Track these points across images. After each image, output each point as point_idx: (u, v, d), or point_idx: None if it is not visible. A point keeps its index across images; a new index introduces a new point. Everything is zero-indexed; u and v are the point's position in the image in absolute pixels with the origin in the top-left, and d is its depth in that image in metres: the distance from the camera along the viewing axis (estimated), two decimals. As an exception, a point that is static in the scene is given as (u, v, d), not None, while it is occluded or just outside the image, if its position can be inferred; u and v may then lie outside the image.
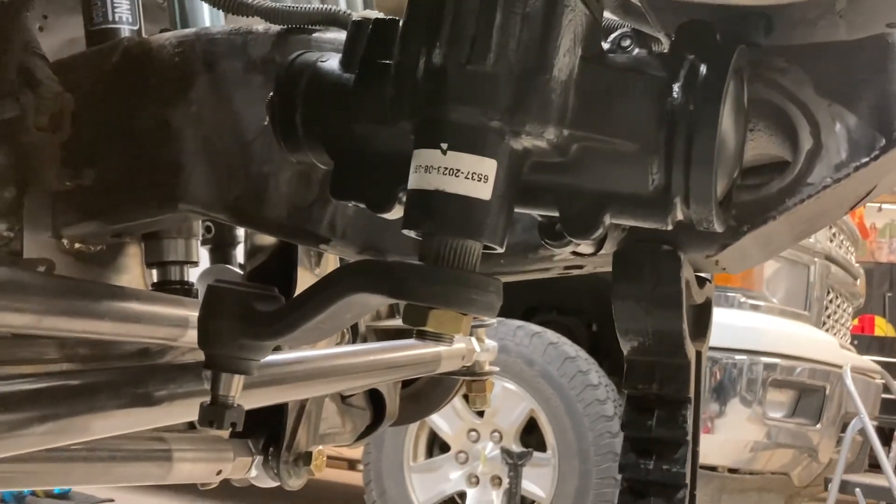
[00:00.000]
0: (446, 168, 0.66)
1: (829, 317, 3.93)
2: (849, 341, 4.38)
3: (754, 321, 3.43)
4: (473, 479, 3.67)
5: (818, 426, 3.50)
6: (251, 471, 1.17)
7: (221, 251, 1.49)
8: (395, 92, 0.70)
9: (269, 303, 0.75)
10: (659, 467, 0.83)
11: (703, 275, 0.92)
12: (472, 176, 0.65)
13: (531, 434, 3.61)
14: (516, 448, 3.53)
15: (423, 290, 0.64)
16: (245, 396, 0.85)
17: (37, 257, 1.00)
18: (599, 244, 0.82)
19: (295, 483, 1.18)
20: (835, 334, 4.05)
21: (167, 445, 1.00)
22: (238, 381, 0.77)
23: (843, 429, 3.72)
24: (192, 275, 1.47)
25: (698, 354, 0.88)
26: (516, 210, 0.73)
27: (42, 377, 0.88)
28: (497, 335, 2.74)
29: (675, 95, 0.67)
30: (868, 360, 3.96)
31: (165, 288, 1.31)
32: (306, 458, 1.19)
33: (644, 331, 0.83)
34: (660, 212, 0.69)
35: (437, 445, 3.78)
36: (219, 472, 1.08)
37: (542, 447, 3.51)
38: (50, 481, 0.97)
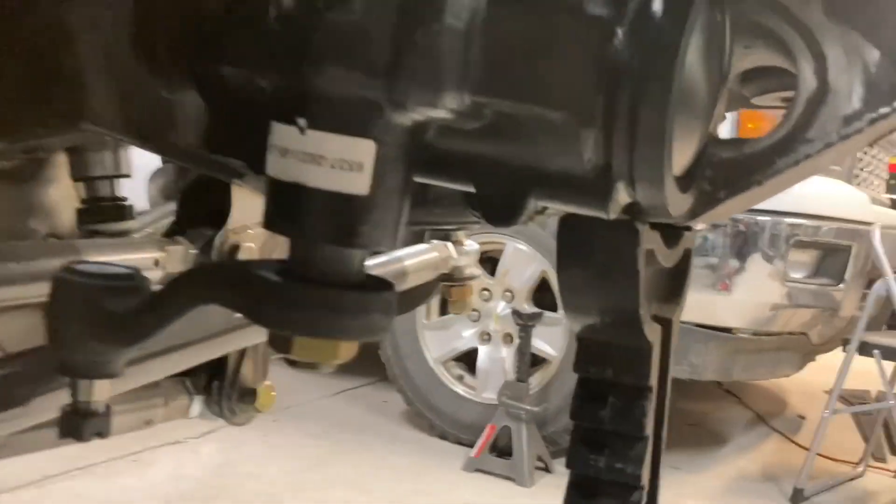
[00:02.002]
0: (306, 153, 0.49)
1: (862, 169, 3.69)
2: (884, 191, 4.16)
3: (780, 177, 3.22)
4: (485, 337, 3.65)
5: (841, 285, 3.36)
6: (192, 410, 1.08)
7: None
8: (251, 40, 0.52)
9: (125, 298, 0.61)
10: (611, 465, 0.71)
11: (676, 225, 0.75)
12: (342, 164, 0.49)
13: (544, 293, 3.54)
14: (528, 308, 3.48)
15: (280, 315, 0.50)
16: (175, 358, 0.74)
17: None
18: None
19: (240, 420, 1.10)
20: (867, 187, 3.83)
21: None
22: (101, 384, 0.65)
23: (868, 284, 3.58)
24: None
25: (666, 330, 0.73)
26: (422, 181, 0.56)
27: None
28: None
29: (618, 44, 0.48)
30: (901, 214, 3.75)
31: (96, 205, 1.18)
32: (251, 395, 1.09)
33: (595, 309, 0.68)
34: (598, 198, 0.53)
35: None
36: (148, 422, 0.99)
37: (554, 306, 3.45)
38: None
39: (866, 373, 3.31)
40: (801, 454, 3.76)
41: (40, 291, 0.91)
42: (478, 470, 3.28)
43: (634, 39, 0.48)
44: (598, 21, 0.49)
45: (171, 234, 1.08)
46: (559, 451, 3.48)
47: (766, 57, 0.69)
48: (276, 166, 0.50)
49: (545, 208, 0.62)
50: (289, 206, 0.50)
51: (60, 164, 1.19)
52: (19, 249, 0.91)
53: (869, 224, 3.26)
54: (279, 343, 0.52)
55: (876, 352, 3.12)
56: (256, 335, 0.98)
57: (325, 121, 0.49)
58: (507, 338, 3.58)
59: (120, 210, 1.17)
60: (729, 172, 0.60)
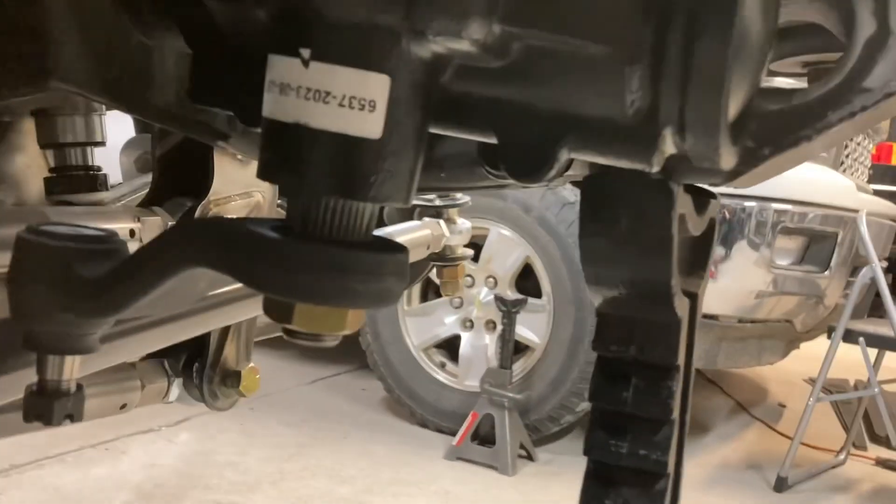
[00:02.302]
0: (310, 89, 0.42)
1: (847, 156, 3.67)
2: (866, 179, 4.15)
3: (767, 163, 3.18)
4: (468, 324, 3.59)
5: (827, 273, 3.34)
6: (170, 394, 1.01)
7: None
8: None
9: (98, 262, 0.54)
10: (634, 451, 0.65)
11: (706, 189, 0.69)
12: (351, 102, 0.42)
13: (527, 279, 3.49)
14: (511, 295, 3.42)
15: (277, 278, 0.43)
16: (155, 333, 0.66)
17: None
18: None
19: (222, 405, 1.02)
20: (852, 174, 3.81)
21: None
22: (73, 360, 0.58)
23: (853, 272, 3.57)
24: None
25: (692, 304, 0.67)
26: (436, 131, 0.50)
27: None
28: (488, 185, 2.53)
29: None
30: (884, 203, 3.74)
31: (65, 175, 1.10)
32: (234, 378, 1.02)
33: (620, 281, 0.62)
34: (641, 147, 0.46)
35: (431, 290, 3.68)
36: (123, 406, 0.91)
37: (537, 293, 3.40)
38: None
39: (845, 361, 3.30)
40: (782, 442, 3.75)
41: (3, 261, 0.84)
42: (459, 458, 3.23)
43: None
44: None
45: (148, 204, 1.00)
46: (542, 440, 3.44)
47: (802, 8, 0.63)
48: (275, 105, 0.43)
49: (571, 161, 0.56)
50: (289, 151, 0.43)
51: (27, 130, 1.11)
52: (-20, 216, 0.83)
53: (855, 211, 3.24)
54: (278, 311, 0.45)
55: (861, 339, 3.11)
56: (248, 308, 0.90)
57: (333, 51, 0.42)
58: (490, 325, 3.53)
59: (92, 180, 1.09)
60: (775, 126, 0.54)
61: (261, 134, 0.45)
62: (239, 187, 1.05)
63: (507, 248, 3.44)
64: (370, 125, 0.43)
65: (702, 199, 0.68)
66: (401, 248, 0.47)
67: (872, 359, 3.21)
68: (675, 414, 0.65)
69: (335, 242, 0.45)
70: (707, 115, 0.43)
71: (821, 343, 4.10)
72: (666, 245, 0.59)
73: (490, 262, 3.49)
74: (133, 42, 0.82)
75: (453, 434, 3.31)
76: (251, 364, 1.05)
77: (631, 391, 0.65)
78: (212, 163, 1.01)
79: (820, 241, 3.32)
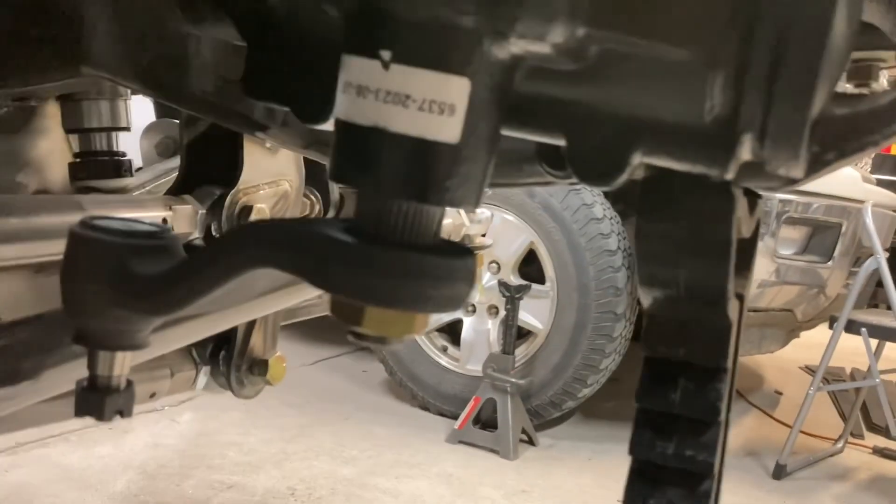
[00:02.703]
0: (389, 92, 0.42)
1: (853, 146, 3.66)
2: (869, 169, 4.15)
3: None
4: (470, 308, 3.59)
5: (830, 263, 3.35)
6: (198, 382, 1.01)
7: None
8: None
9: (155, 260, 0.53)
10: (681, 452, 0.65)
11: (755, 190, 0.69)
12: (431, 106, 0.42)
13: (531, 265, 3.49)
14: (514, 280, 3.42)
15: (352, 281, 0.43)
16: (202, 324, 0.65)
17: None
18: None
19: (249, 393, 1.02)
20: (857, 164, 3.82)
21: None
22: (123, 356, 0.57)
23: (856, 262, 3.58)
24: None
25: (741, 306, 0.67)
26: (506, 133, 0.49)
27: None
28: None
29: None
30: (886, 193, 3.74)
31: (90, 160, 1.09)
32: (262, 366, 1.02)
33: (675, 282, 0.61)
34: (717, 153, 0.46)
35: (433, 273, 3.67)
36: (153, 395, 0.91)
37: (541, 278, 3.40)
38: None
39: (840, 349, 3.31)
40: (779, 429, 3.78)
41: (37, 251, 0.82)
42: (461, 442, 3.24)
43: None
44: None
45: (177, 191, 0.99)
46: (543, 424, 3.46)
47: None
48: (352, 107, 0.43)
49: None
50: (366, 154, 0.43)
51: (52, 115, 1.10)
52: (14, 203, 0.82)
53: (859, 202, 3.24)
54: (347, 313, 0.45)
55: (863, 330, 3.12)
56: (284, 299, 0.90)
57: (414, 53, 0.41)
58: (493, 309, 3.53)
59: (117, 165, 1.08)
60: (842, 131, 0.53)
61: (335, 135, 0.44)
62: (267, 176, 1.04)
63: (511, 234, 3.43)
64: (449, 129, 0.42)
65: (752, 199, 0.67)
66: (469, 252, 0.47)
67: (873, 349, 3.23)
68: (724, 415, 0.65)
69: (408, 246, 0.44)
70: (793, 124, 0.43)
71: (817, 331, 4.13)
72: (725, 249, 0.58)
73: (494, 247, 3.48)
74: (169, 28, 0.81)
75: (455, 417, 3.32)
76: (278, 352, 1.04)
77: (679, 392, 0.65)
78: (241, 151, 1.00)
79: (823, 231, 3.32)
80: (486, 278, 3.54)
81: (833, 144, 0.54)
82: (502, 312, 3.37)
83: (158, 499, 2.50)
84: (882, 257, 3.05)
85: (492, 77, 0.43)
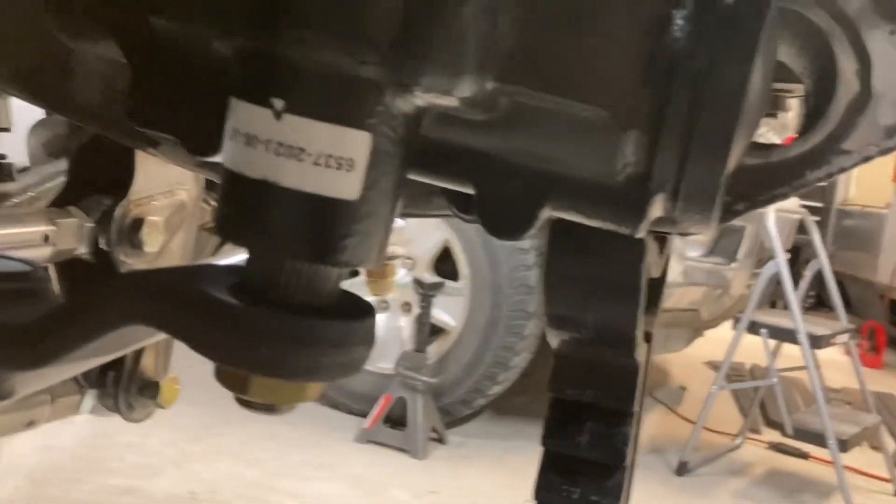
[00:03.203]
0: (282, 143, 0.38)
1: (758, 152, 3.79)
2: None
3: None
4: (383, 304, 3.55)
5: (734, 265, 3.46)
6: (83, 406, 0.94)
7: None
8: None
9: (24, 305, 0.48)
10: (587, 497, 0.63)
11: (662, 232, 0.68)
12: (328, 161, 0.38)
13: (445, 262, 3.48)
14: (429, 278, 3.40)
15: (236, 349, 0.39)
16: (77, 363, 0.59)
17: None
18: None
19: (138, 416, 0.96)
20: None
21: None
22: (-16, 407, 0.52)
23: (758, 264, 3.70)
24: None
25: (648, 346, 0.66)
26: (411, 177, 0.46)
27: None
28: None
29: (677, 33, 0.39)
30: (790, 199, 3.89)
31: (-34, 162, 1.00)
32: (153, 389, 0.96)
33: (583, 325, 0.60)
34: (628, 212, 0.44)
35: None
36: (30, 423, 0.84)
37: (455, 276, 3.39)
38: None
39: (741, 346, 3.42)
40: (683, 425, 3.89)
41: None
42: (370, 441, 3.21)
43: (700, 28, 0.39)
44: (652, 3, 0.39)
45: (62, 202, 0.92)
46: (454, 422, 3.46)
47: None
48: (239, 158, 0.39)
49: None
50: (253, 209, 0.39)
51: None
52: None
53: (762, 207, 3.34)
54: (231, 380, 0.41)
55: (763, 330, 3.23)
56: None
57: (309, 104, 0.38)
58: (406, 307, 3.50)
59: (1, 172, 1.00)
60: (752, 182, 0.53)
61: (221, 184, 0.41)
62: (162, 185, 0.98)
63: (427, 231, 3.41)
64: (347, 185, 0.39)
65: (661, 240, 0.66)
66: (369, 311, 0.43)
67: (772, 349, 3.35)
68: (630, 460, 0.64)
69: (299, 308, 0.41)
70: (706, 184, 0.41)
71: (721, 329, 4.26)
72: (633, 293, 0.57)
73: (408, 244, 3.45)
74: (52, 34, 0.74)
75: (364, 416, 3.29)
76: (171, 374, 0.99)
77: (586, 435, 0.63)
78: (133, 159, 0.94)
79: (729, 234, 3.43)
80: (401, 275, 3.51)
81: (744, 195, 0.53)
82: (416, 309, 3.35)
83: (50, 505, 2.38)
84: (782, 261, 3.16)
85: (395, 130, 0.40)
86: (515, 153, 0.44)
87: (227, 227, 0.40)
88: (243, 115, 0.39)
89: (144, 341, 0.82)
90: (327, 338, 0.40)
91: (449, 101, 0.40)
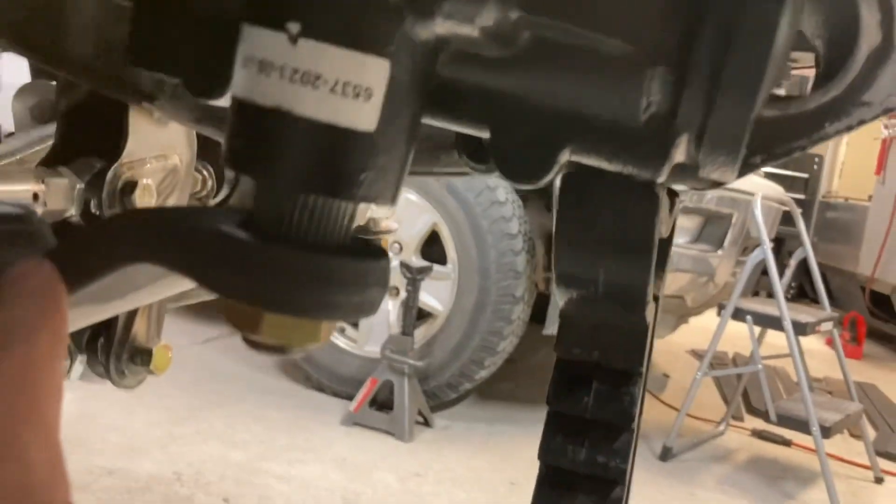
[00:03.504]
0: (297, 70, 0.36)
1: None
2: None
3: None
4: (369, 288, 3.53)
5: (720, 252, 3.47)
6: (73, 371, 0.92)
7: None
8: None
9: (18, 248, 0.46)
10: (592, 458, 0.62)
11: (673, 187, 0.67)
12: (345, 89, 0.37)
13: (433, 246, 3.46)
14: (416, 262, 3.39)
15: (248, 284, 0.37)
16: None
17: None
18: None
19: (130, 383, 0.94)
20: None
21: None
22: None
23: (743, 252, 3.72)
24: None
25: (657, 308, 0.65)
26: (427, 122, 0.45)
27: None
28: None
29: None
30: (773, 186, 3.91)
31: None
32: (144, 355, 0.94)
33: (593, 282, 0.59)
34: (650, 155, 0.43)
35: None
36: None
37: (443, 260, 3.38)
38: None
39: (724, 334, 3.44)
40: (666, 412, 3.90)
41: None
42: (356, 424, 3.20)
43: None
44: None
45: (51, 163, 0.90)
46: (439, 406, 3.45)
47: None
48: (252, 85, 0.37)
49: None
50: (266, 140, 0.37)
51: None
52: None
53: (750, 194, 3.36)
54: (241, 319, 0.39)
55: (748, 317, 3.25)
56: (171, 286, 0.82)
57: (327, 28, 0.36)
58: (393, 290, 3.48)
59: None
60: (770, 135, 0.51)
61: (230, 115, 0.39)
62: (155, 149, 0.96)
63: (414, 214, 3.39)
64: (364, 116, 0.37)
65: (672, 198, 0.65)
66: (383, 254, 0.42)
67: (756, 336, 3.37)
68: (636, 421, 0.63)
69: (313, 246, 0.39)
70: (734, 127, 0.40)
71: (704, 318, 4.28)
72: (647, 250, 0.56)
73: (396, 227, 3.44)
74: None
75: (350, 399, 3.27)
76: (163, 341, 0.97)
77: (592, 396, 0.62)
78: (126, 121, 0.92)
79: (715, 221, 3.43)
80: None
81: (761, 147, 0.52)
82: (403, 293, 3.33)
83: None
84: (768, 248, 3.17)
85: (414, 60, 0.38)
86: (534, 93, 0.43)
87: (237, 159, 0.38)
88: (257, 41, 0.37)
89: (140, 300, 0.80)
90: (343, 275, 0.38)
91: (470, 31, 0.39)
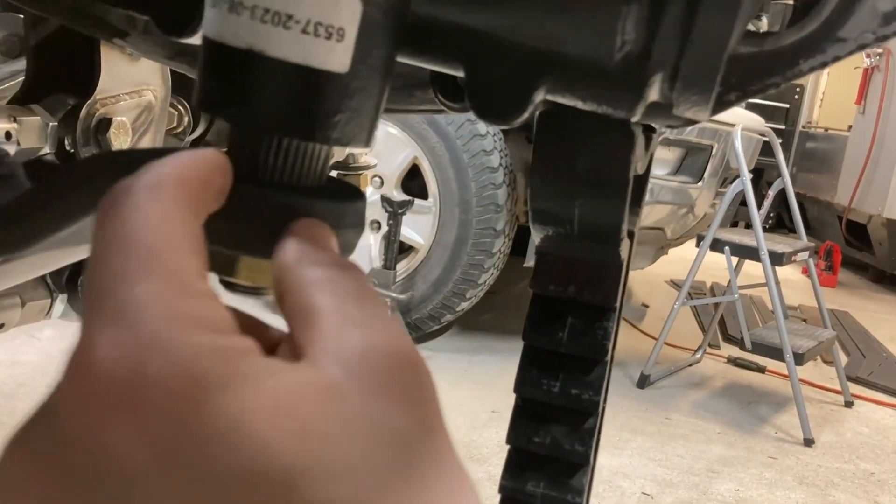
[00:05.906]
0: (268, 10, 0.36)
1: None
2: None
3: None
4: (351, 222, 3.53)
5: (700, 183, 3.49)
6: (54, 310, 0.93)
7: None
8: None
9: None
10: (566, 391, 0.64)
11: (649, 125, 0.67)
12: (317, 29, 0.36)
13: (414, 179, 3.46)
14: (397, 195, 3.38)
15: (225, 228, 0.38)
16: (49, 257, 0.58)
17: None
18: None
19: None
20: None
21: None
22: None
23: (723, 183, 3.74)
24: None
25: (631, 244, 0.66)
26: (400, 60, 0.44)
27: None
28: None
29: None
30: (754, 117, 3.90)
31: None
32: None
33: (568, 219, 0.59)
34: (625, 94, 0.43)
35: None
36: (1, 326, 0.83)
37: (424, 194, 3.38)
38: None
39: (702, 264, 3.48)
40: (645, 340, 3.98)
41: None
42: (340, 356, 3.23)
43: None
44: None
45: (22, 101, 0.88)
46: (422, 337, 3.50)
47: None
48: (222, 26, 0.37)
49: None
50: (238, 81, 0.37)
51: None
52: None
53: (731, 125, 3.36)
54: (217, 261, 0.40)
55: (726, 248, 3.29)
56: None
57: (297, -34, 0.35)
58: (375, 224, 3.49)
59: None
60: (745, 71, 0.51)
61: (201, 56, 0.38)
62: (129, 85, 0.94)
63: (395, 148, 3.37)
64: (337, 57, 0.37)
65: (648, 135, 0.66)
66: (359, 195, 0.42)
67: (734, 266, 3.41)
68: (610, 354, 0.64)
69: (288, 188, 0.39)
70: (707, 65, 0.40)
71: (682, 248, 4.33)
72: (621, 188, 0.56)
73: (377, 161, 3.42)
74: None
75: (334, 332, 3.30)
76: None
77: (567, 331, 0.64)
78: (98, 56, 0.90)
79: (696, 153, 3.44)
80: (369, 192, 3.48)
81: (736, 84, 0.52)
82: (384, 227, 3.34)
83: (17, 420, 2.37)
84: (748, 180, 3.19)
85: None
86: (509, 31, 0.43)
87: (210, 101, 0.38)
88: (227, -21, 0.36)
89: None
90: (318, 217, 0.39)
91: None
